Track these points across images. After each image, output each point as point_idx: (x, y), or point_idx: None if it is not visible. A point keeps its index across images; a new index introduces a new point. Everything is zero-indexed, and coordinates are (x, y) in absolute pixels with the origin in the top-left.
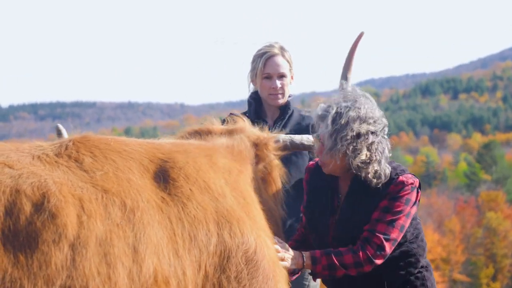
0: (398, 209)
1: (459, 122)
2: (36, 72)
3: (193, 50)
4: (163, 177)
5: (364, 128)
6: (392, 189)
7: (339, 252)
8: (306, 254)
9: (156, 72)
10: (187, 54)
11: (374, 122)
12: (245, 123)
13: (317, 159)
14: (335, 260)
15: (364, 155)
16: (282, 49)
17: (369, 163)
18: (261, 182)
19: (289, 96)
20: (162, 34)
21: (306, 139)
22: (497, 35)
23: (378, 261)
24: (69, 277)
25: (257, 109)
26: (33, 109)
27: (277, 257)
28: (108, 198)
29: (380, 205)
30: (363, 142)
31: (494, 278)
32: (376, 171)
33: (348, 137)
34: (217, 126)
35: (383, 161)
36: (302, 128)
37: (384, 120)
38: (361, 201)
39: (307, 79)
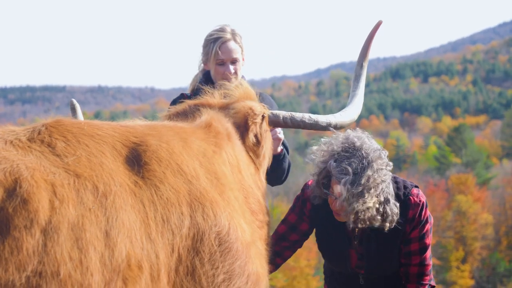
0: (426, 230)
1: (429, 105)
2: (5, 56)
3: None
4: (136, 160)
5: (379, 188)
6: (412, 215)
7: None
8: None
9: (127, 56)
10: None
11: (384, 175)
12: (245, 94)
13: (311, 181)
14: None
15: (374, 211)
16: (233, 33)
17: (383, 212)
18: (246, 160)
19: (242, 78)
20: (131, 17)
21: (308, 117)
22: (467, 19)
23: (428, 284)
24: (40, 263)
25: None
26: (3, 93)
27: (251, 238)
28: (80, 182)
29: (412, 236)
30: (376, 203)
31: (464, 261)
32: (387, 218)
33: (363, 201)
34: (216, 100)
35: (391, 202)
36: None
37: (390, 165)
38: (381, 232)
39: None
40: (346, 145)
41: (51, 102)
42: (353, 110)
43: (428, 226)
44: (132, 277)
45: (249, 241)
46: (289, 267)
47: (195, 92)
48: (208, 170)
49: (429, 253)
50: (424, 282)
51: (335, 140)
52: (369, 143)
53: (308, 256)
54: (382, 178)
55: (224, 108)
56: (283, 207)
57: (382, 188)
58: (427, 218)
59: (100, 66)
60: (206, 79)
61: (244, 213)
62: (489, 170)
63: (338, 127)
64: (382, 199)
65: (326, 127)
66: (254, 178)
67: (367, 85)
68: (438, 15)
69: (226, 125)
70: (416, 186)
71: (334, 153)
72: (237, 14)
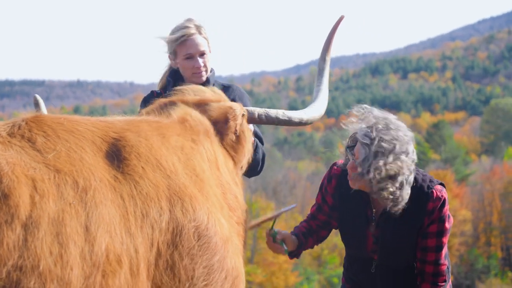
0: (445, 229)
1: (408, 101)
2: None
3: (142, 28)
4: (116, 155)
5: (398, 166)
6: (432, 207)
7: None
8: None
9: (106, 51)
10: (136, 31)
11: (408, 158)
12: (214, 95)
13: (340, 161)
14: None
15: (390, 189)
16: (198, 26)
17: (394, 192)
18: (224, 156)
19: (210, 71)
20: (110, 11)
21: (282, 114)
22: (447, 15)
23: (443, 284)
24: (20, 257)
25: (176, 87)
26: None
27: (230, 234)
28: (60, 177)
29: (430, 230)
30: (389, 183)
31: None
32: (396, 199)
33: (381, 172)
34: (191, 97)
35: (405, 189)
36: None
37: (414, 154)
38: (401, 218)
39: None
40: (383, 119)
41: (30, 97)
42: (320, 105)
43: (447, 225)
44: (112, 271)
45: (228, 236)
46: (268, 262)
47: (165, 89)
48: (187, 166)
49: (445, 252)
50: (439, 284)
51: (372, 115)
52: (402, 133)
53: None
54: (404, 160)
55: (199, 106)
56: (262, 203)
57: (402, 164)
58: (447, 215)
59: (79, 61)
60: (175, 75)
61: (222, 208)
62: (468, 167)
63: (309, 123)
64: (398, 179)
65: (299, 123)
66: (232, 174)
67: (346, 81)
68: (418, 11)
69: (203, 121)
70: (443, 184)
71: (369, 121)
72: (216, 9)
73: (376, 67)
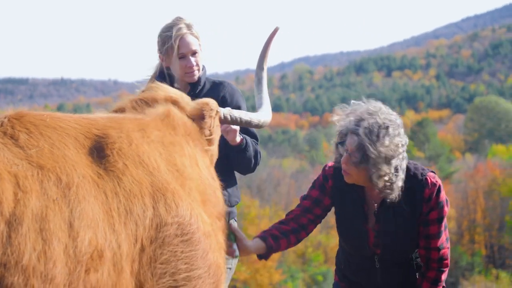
0: (445, 214)
1: (392, 99)
2: None
3: (126, 26)
4: (98, 152)
5: (389, 153)
6: (429, 194)
7: None
8: None
9: (89, 49)
10: (120, 29)
11: (400, 142)
12: (182, 94)
13: (330, 164)
14: None
15: (386, 176)
16: (189, 26)
17: (390, 180)
18: (202, 153)
19: (202, 69)
20: (94, 9)
21: (244, 114)
22: (431, 13)
23: (447, 268)
24: (4, 254)
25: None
26: None
27: (212, 229)
28: (43, 174)
29: (430, 217)
30: (385, 167)
31: None
32: (392, 185)
33: (378, 154)
34: (162, 94)
35: (400, 174)
36: (215, 99)
37: (406, 137)
38: (399, 209)
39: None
40: (371, 108)
41: (14, 95)
42: (269, 110)
43: (446, 210)
44: (95, 267)
45: (210, 232)
46: (252, 260)
47: None
48: (169, 162)
49: (446, 235)
50: (443, 269)
51: (358, 106)
52: (394, 117)
53: None
54: (397, 144)
55: (174, 103)
56: (246, 200)
57: (394, 150)
58: (445, 200)
59: (63, 59)
60: (164, 76)
61: (204, 203)
62: (452, 164)
63: (263, 126)
64: (393, 163)
65: (256, 125)
66: (209, 169)
67: (330, 79)
68: (402, 9)
69: (182, 117)
70: (434, 172)
71: (357, 114)
72: (200, 7)
73: (360, 65)
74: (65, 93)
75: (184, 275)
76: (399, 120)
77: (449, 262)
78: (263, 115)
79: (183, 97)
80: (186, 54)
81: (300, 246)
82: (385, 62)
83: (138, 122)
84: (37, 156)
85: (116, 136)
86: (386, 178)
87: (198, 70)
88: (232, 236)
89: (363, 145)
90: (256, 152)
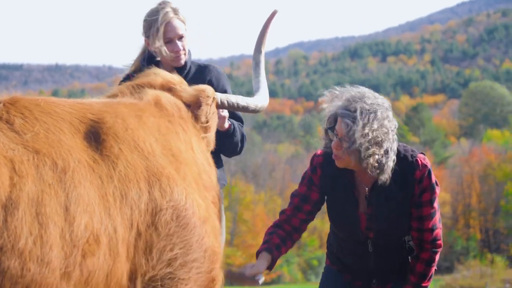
0: (436, 195)
1: (387, 85)
2: None
3: (121, 11)
4: (94, 137)
5: (379, 136)
6: (420, 175)
7: (415, 272)
8: None
9: (84, 34)
10: (115, 15)
11: (390, 126)
12: (181, 80)
13: (320, 151)
14: (423, 283)
15: (377, 155)
16: (175, 10)
17: (380, 161)
18: (197, 138)
19: (188, 53)
20: None
21: (241, 99)
22: None
23: (440, 248)
24: (1, 237)
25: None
26: None
27: (207, 214)
28: (39, 159)
29: (423, 199)
30: (376, 149)
31: None
32: (383, 167)
33: (364, 146)
34: (159, 80)
35: (390, 156)
36: (201, 83)
37: (395, 120)
38: (391, 191)
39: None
40: (358, 93)
41: (8, 80)
42: (266, 94)
43: (438, 191)
44: (91, 251)
45: (205, 216)
46: (247, 245)
47: (140, 71)
48: (164, 146)
49: (438, 216)
50: (436, 249)
51: (346, 91)
52: (381, 100)
53: None
54: (386, 126)
55: (170, 89)
56: (241, 186)
57: (384, 133)
58: (435, 182)
59: (57, 45)
60: (149, 59)
61: (199, 188)
62: (447, 149)
63: (260, 111)
64: (384, 145)
65: (253, 110)
66: (204, 155)
67: (325, 64)
68: None
69: (177, 102)
70: (423, 154)
71: (345, 99)
72: None
73: (355, 50)
74: (59, 79)
75: (180, 259)
76: (386, 103)
77: (442, 243)
78: (260, 99)
79: (181, 83)
80: (173, 38)
81: None
82: (380, 48)
83: (134, 107)
84: (32, 140)
85: (111, 121)
86: (377, 160)
87: (185, 54)
88: (252, 277)
89: (353, 129)
90: (242, 136)
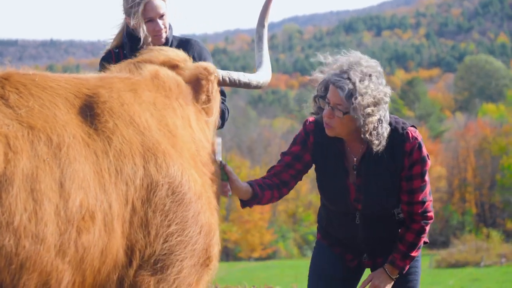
0: (427, 168)
1: (382, 59)
2: None
3: None
4: (89, 112)
5: (377, 97)
6: (410, 148)
7: (405, 242)
8: (388, 268)
9: (79, 9)
10: None
11: (384, 91)
12: (179, 55)
13: (311, 119)
14: (411, 252)
15: (371, 125)
16: None
17: (376, 127)
18: (197, 115)
19: (169, 29)
20: None
21: (243, 76)
22: None
23: (431, 220)
24: None
25: (133, 47)
26: None
27: (204, 190)
28: (34, 134)
29: (414, 172)
30: (375, 109)
31: None
32: (378, 135)
33: (363, 104)
34: (161, 57)
35: (384, 123)
36: None
37: (388, 88)
38: (380, 163)
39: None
40: (351, 58)
41: (3, 56)
42: (268, 69)
43: (428, 163)
44: (86, 227)
45: (201, 192)
46: (243, 220)
47: (123, 48)
48: (160, 122)
49: (428, 189)
50: (427, 221)
51: (339, 58)
52: (375, 63)
53: (262, 209)
54: (381, 92)
55: (171, 66)
56: (237, 161)
57: (379, 98)
58: (427, 155)
59: (52, 20)
60: (131, 36)
61: (196, 164)
62: (442, 123)
63: (263, 86)
64: (377, 112)
65: (255, 86)
66: (204, 132)
67: (320, 39)
68: None
69: (176, 78)
70: (414, 126)
71: (338, 66)
72: None
73: (349, 24)
74: (54, 54)
75: (175, 235)
76: (379, 68)
77: (432, 215)
78: (262, 75)
79: (185, 61)
80: (154, 18)
81: (291, 206)
82: (374, 22)
83: (129, 82)
84: (27, 116)
85: (107, 96)
86: (371, 127)
87: (166, 32)
88: (225, 177)
89: (347, 96)
90: (223, 112)
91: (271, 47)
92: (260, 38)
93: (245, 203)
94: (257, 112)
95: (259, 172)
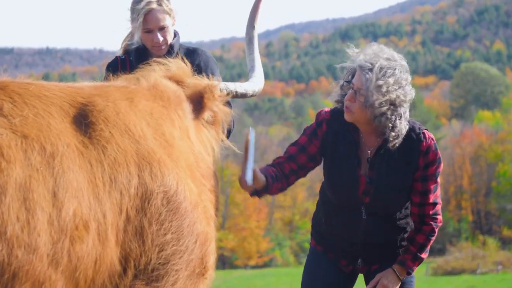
0: (440, 169)
1: None
2: None
3: None
4: (83, 121)
5: (400, 92)
6: (426, 147)
7: (415, 243)
8: (398, 269)
9: (75, 17)
10: None
11: (407, 85)
12: (187, 70)
13: (327, 109)
14: (421, 254)
15: (395, 112)
16: (159, 0)
17: (394, 120)
18: (197, 127)
19: (174, 37)
20: None
21: (239, 87)
22: None
23: (441, 224)
24: None
25: (139, 54)
26: None
27: (200, 200)
28: (27, 143)
29: (429, 173)
30: (394, 106)
31: None
32: (395, 128)
33: (383, 92)
34: (164, 71)
35: (403, 120)
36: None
37: (413, 91)
38: (395, 159)
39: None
40: (381, 49)
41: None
42: (261, 74)
43: (441, 165)
44: (80, 237)
45: (197, 202)
46: (239, 228)
47: (129, 54)
48: (156, 131)
49: (439, 191)
50: (438, 223)
51: (369, 47)
52: (403, 62)
53: (258, 217)
54: (405, 89)
55: (177, 82)
56: (233, 169)
57: (403, 90)
58: (440, 156)
59: (48, 28)
60: (137, 47)
61: (193, 174)
62: (438, 131)
63: (257, 94)
64: (397, 105)
65: (252, 95)
66: (204, 145)
67: (316, 46)
68: None
69: (176, 90)
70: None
71: (367, 53)
72: None
73: (345, 32)
74: (50, 62)
75: (171, 245)
76: (406, 66)
77: (442, 219)
78: (256, 83)
79: (189, 76)
80: (152, 29)
81: (287, 213)
82: (370, 29)
83: (126, 90)
84: (21, 125)
85: (102, 104)
86: (390, 120)
87: (166, 44)
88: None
89: (372, 83)
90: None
91: (267, 55)
92: (250, 40)
93: (256, 193)
94: (253, 119)
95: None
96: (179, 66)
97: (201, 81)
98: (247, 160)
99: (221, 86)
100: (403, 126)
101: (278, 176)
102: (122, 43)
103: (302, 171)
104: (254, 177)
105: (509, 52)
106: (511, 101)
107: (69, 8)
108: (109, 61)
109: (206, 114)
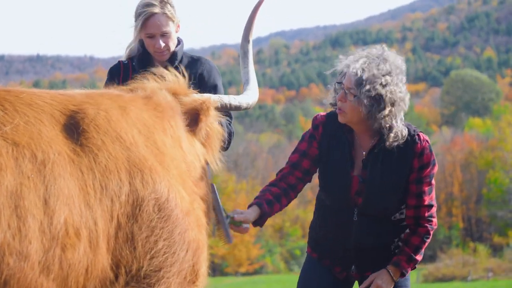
0: (434, 171)
1: None
2: None
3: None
4: (74, 128)
5: (392, 86)
6: (420, 149)
7: (410, 244)
8: (392, 270)
9: (65, 24)
10: (95, 4)
11: (397, 89)
12: (183, 83)
13: (323, 113)
14: (416, 256)
15: (387, 110)
16: (162, 3)
17: (391, 119)
18: (190, 138)
19: (178, 44)
20: None
21: (233, 100)
22: None
23: (436, 227)
24: None
25: (142, 59)
26: None
27: (191, 207)
28: (18, 151)
29: (424, 175)
30: (388, 97)
31: None
32: (392, 128)
33: (377, 89)
34: (152, 84)
35: (399, 121)
36: (192, 76)
37: (408, 95)
38: (389, 160)
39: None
40: (373, 51)
41: None
42: (256, 87)
43: (436, 167)
44: (71, 244)
45: (189, 209)
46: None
47: (132, 59)
48: (148, 139)
49: (434, 193)
50: (433, 226)
51: (362, 51)
52: (400, 60)
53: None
54: (399, 90)
55: (171, 93)
56: (223, 176)
57: (399, 88)
58: (435, 159)
59: (38, 35)
60: (142, 46)
61: (185, 182)
62: (429, 138)
63: (252, 107)
64: (389, 104)
65: (246, 108)
66: (196, 157)
67: (306, 53)
68: None
69: (171, 102)
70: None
71: (358, 54)
72: None
73: (336, 39)
74: (41, 69)
75: (162, 252)
76: (400, 63)
77: (437, 222)
78: (251, 96)
79: (185, 91)
80: (154, 34)
81: (277, 220)
82: (361, 36)
83: (118, 98)
84: (12, 133)
85: (93, 112)
86: (386, 119)
87: (168, 50)
88: (238, 223)
89: (360, 76)
90: (230, 134)
91: (258, 62)
92: (245, 54)
93: (256, 223)
94: (244, 126)
95: (246, 186)
96: (176, 78)
97: (198, 98)
98: (220, 221)
99: (215, 99)
100: (400, 128)
101: (279, 194)
102: (127, 48)
103: (308, 177)
104: (248, 221)
105: (499, 59)
106: (502, 108)
107: (59, 15)
108: (112, 66)
109: (202, 131)
